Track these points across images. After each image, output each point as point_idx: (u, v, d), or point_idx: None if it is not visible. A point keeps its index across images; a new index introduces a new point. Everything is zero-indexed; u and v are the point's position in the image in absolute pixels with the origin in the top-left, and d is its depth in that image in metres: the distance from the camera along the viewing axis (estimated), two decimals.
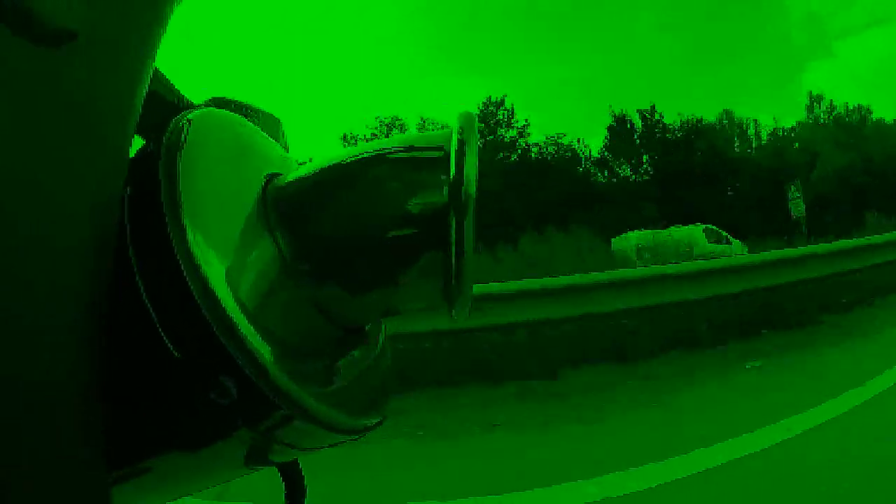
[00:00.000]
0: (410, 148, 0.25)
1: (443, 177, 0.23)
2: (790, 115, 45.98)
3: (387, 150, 0.25)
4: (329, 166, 0.25)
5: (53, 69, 0.16)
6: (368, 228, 0.24)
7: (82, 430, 0.18)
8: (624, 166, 28.99)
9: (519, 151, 28.40)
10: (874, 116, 28.03)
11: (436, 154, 0.24)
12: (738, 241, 14.06)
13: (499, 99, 29.56)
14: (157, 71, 0.29)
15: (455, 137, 0.23)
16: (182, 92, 0.30)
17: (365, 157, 0.24)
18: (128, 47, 0.19)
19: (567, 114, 46.14)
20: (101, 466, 0.19)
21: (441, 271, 0.23)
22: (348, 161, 0.25)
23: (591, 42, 46.60)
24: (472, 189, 0.23)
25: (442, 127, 0.26)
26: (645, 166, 28.73)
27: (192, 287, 0.20)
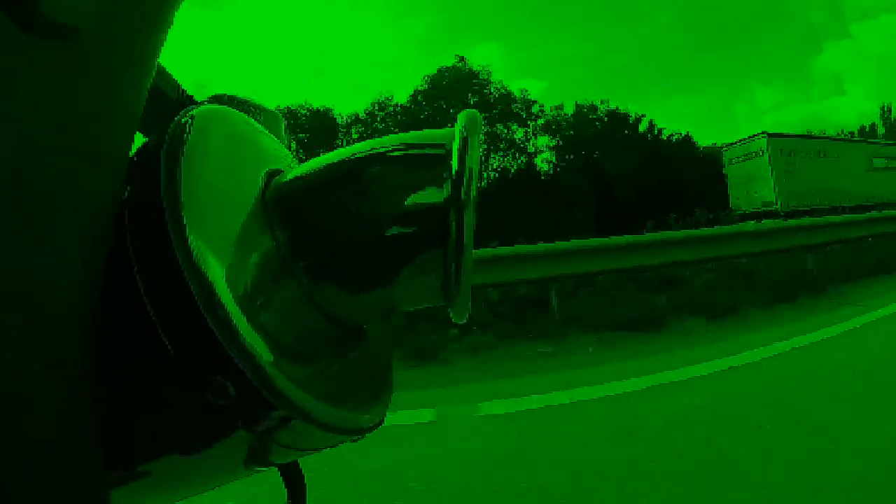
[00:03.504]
0: (412, 146, 0.24)
1: (444, 175, 0.22)
2: (803, 93, 45.83)
3: (388, 148, 0.24)
4: (330, 164, 0.25)
5: (57, 64, 0.16)
6: (369, 226, 0.23)
7: (81, 431, 0.18)
8: None
9: None
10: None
11: (437, 152, 0.23)
12: None
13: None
14: (161, 67, 0.29)
15: (457, 135, 0.23)
16: (186, 88, 0.30)
17: (366, 155, 0.24)
18: (133, 44, 0.19)
19: (576, 85, 46.14)
20: (100, 468, 0.19)
21: (441, 270, 0.23)
22: (349, 159, 0.24)
23: (601, 14, 46.47)
24: (473, 187, 0.22)
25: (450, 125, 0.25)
26: None
27: (190, 286, 0.19)
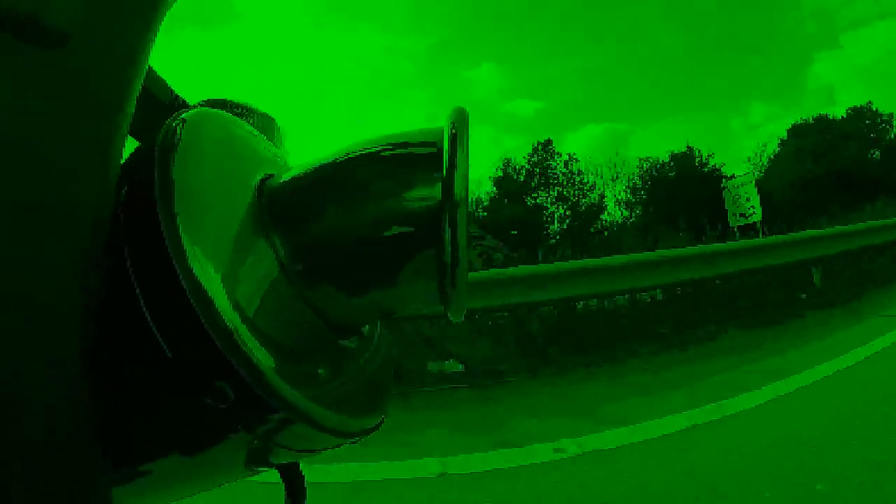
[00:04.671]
0: (403, 145, 0.24)
1: (436, 174, 0.23)
2: (795, 105, 45.94)
3: (380, 148, 0.24)
4: (322, 166, 0.25)
5: (47, 69, 0.16)
6: (363, 228, 0.23)
7: (81, 431, 0.18)
8: None
9: None
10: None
11: (429, 151, 0.23)
12: None
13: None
14: (151, 70, 0.29)
15: (447, 134, 0.23)
16: (177, 92, 0.31)
17: (358, 156, 0.24)
18: (121, 48, 0.19)
19: (570, 106, 46.30)
20: (100, 470, 0.19)
21: (436, 270, 0.23)
22: (341, 160, 0.24)
23: (596, 32, 46.76)
24: (465, 186, 0.22)
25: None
26: None
27: (187, 290, 0.19)
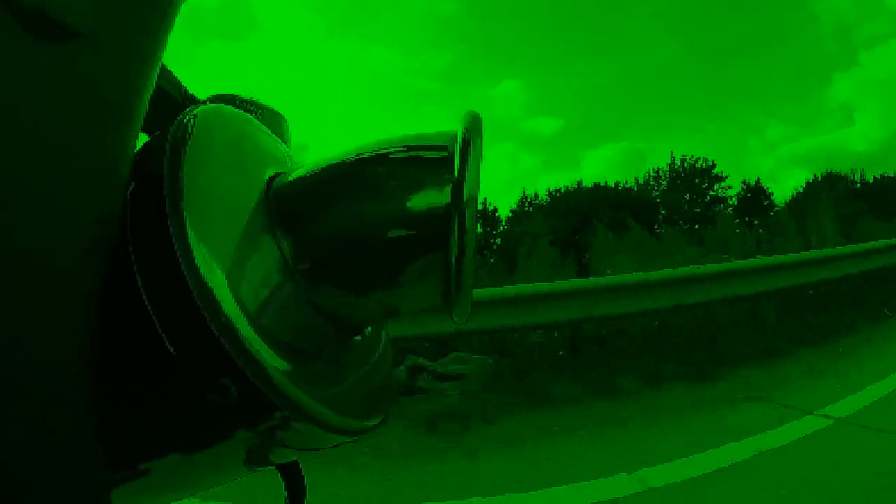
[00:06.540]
0: (414, 147, 0.24)
1: (446, 177, 0.22)
2: (813, 125, 45.21)
3: (390, 150, 0.24)
4: (332, 166, 0.25)
5: (60, 65, 0.16)
6: (370, 229, 0.23)
7: (81, 431, 0.18)
8: None
9: None
10: None
11: (440, 154, 0.23)
12: None
13: None
14: (164, 67, 0.29)
15: (459, 138, 0.23)
16: (188, 88, 0.30)
17: (368, 157, 0.24)
18: (135, 44, 0.19)
19: (590, 125, 46.24)
20: (100, 467, 0.19)
21: (441, 273, 0.23)
22: (351, 161, 0.24)
23: (619, 53, 46.73)
24: (475, 190, 0.22)
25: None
26: None
27: (192, 287, 0.19)
